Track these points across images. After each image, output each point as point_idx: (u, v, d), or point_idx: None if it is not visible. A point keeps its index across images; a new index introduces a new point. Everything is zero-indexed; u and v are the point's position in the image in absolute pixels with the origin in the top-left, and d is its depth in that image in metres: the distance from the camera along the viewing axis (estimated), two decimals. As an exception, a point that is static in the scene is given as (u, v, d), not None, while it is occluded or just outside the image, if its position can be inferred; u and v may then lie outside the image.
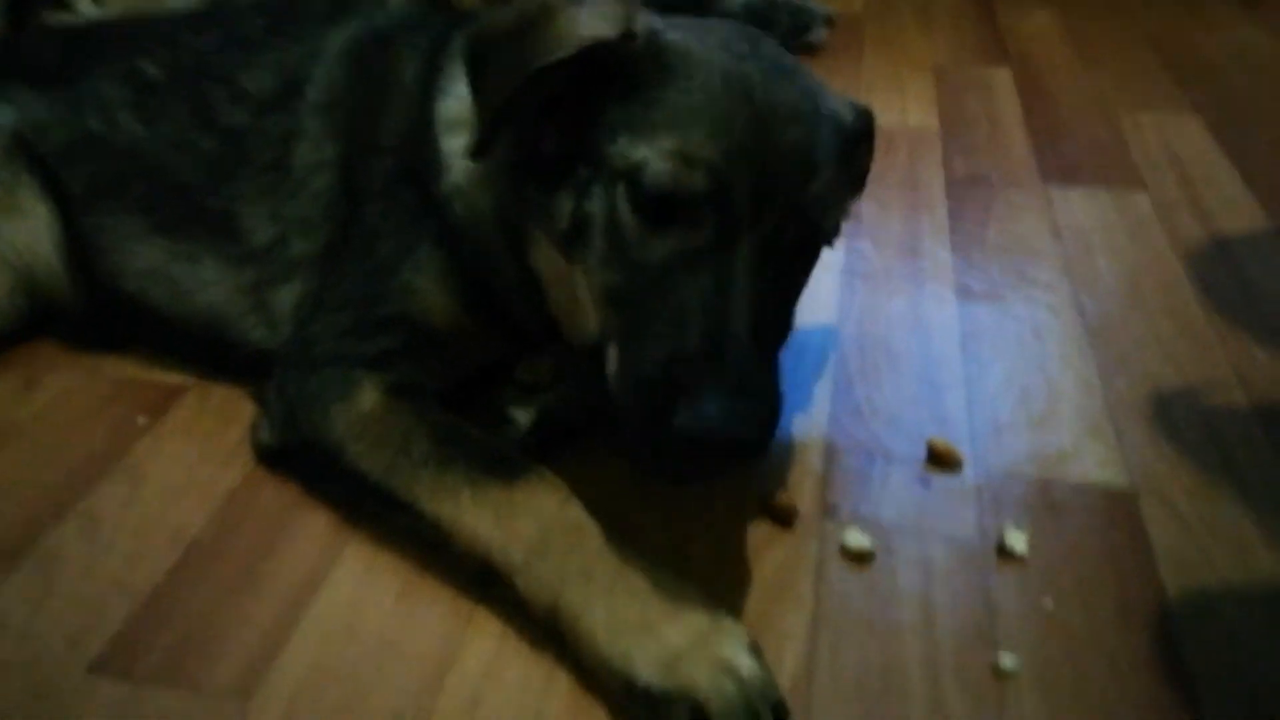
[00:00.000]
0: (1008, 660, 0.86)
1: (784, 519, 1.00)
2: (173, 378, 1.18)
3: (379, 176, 1.07)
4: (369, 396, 0.98)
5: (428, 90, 1.06)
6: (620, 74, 0.89)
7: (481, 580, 0.90)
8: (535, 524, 0.88)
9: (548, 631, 0.86)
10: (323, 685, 0.84)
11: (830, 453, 1.10)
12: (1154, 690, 0.84)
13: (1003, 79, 2.05)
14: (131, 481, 1.04)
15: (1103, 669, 0.86)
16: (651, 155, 0.85)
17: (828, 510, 1.02)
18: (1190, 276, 1.41)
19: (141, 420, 1.12)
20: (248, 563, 0.95)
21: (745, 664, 0.79)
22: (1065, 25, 2.34)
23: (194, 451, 1.08)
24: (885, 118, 1.87)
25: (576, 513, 0.89)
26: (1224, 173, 1.69)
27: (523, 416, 1.07)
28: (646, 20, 0.92)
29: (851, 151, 0.99)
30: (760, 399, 0.83)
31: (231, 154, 1.14)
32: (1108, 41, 2.24)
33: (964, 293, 1.38)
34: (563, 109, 0.91)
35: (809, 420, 1.15)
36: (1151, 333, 1.30)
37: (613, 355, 0.89)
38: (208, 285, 1.15)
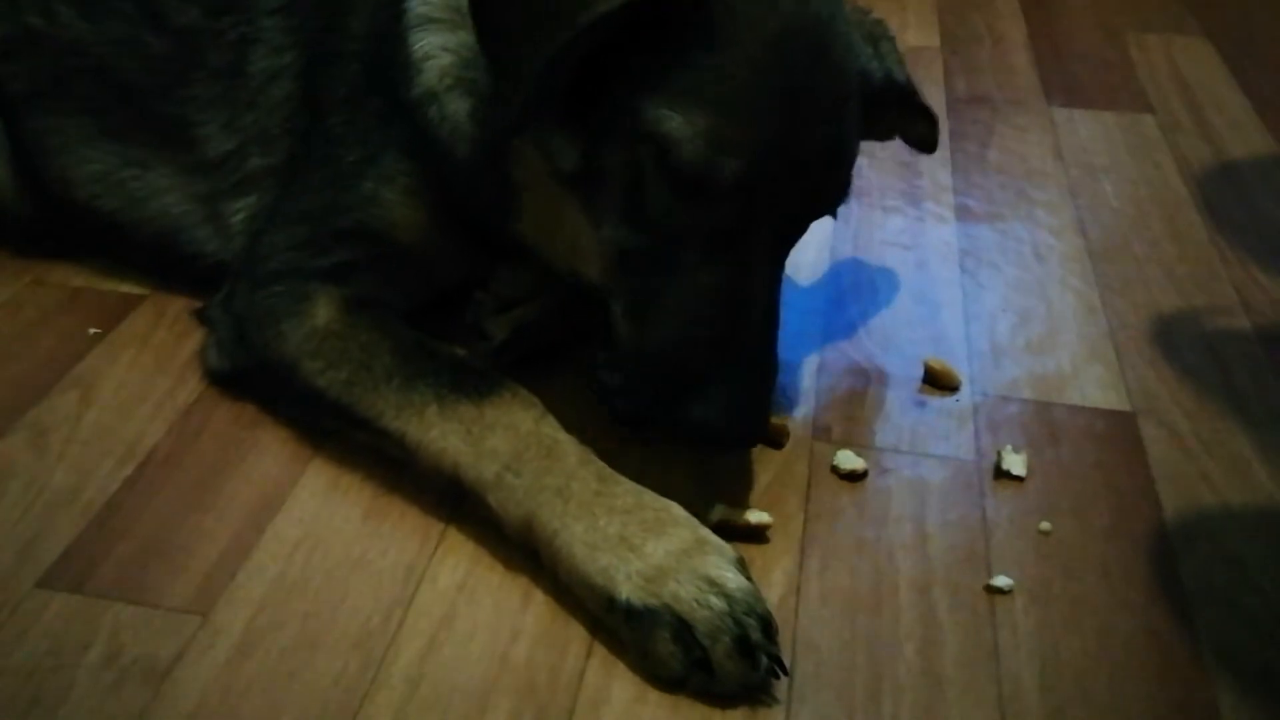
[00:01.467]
0: (1002, 580, 0.83)
1: (774, 441, 0.96)
2: (127, 287, 1.12)
3: (342, 83, 0.99)
4: (324, 310, 0.93)
5: None
6: (658, 15, 0.80)
7: (452, 496, 0.86)
8: (508, 440, 0.83)
9: (523, 549, 0.82)
10: (286, 600, 0.80)
11: (823, 372, 1.06)
12: (1150, 608, 0.82)
13: (1007, -3, 1.97)
14: (82, 393, 0.99)
15: (1098, 588, 0.83)
16: (686, 131, 0.80)
17: (819, 431, 0.98)
18: (1195, 200, 1.37)
19: (93, 331, 1.06)
20: (206, 478, 0.91)
21: (731, 579, 0.75)
22: (1072, -56, 2.25)
23: (149, 363, 1.03)
24: (884, 32, 1.82)
25: (551, 429, 0.85)
26: (1231, 97, 1.64)
27: (497, 330, 1.02)
28: None
29: (871, 110, 0.93)
30: (768, 393, 0.86)
31: (183, 56, 1.06)
32: (1115, -39, 2.16)
33: (963, 212, 1.33)
34: (580, 49, 0.82)
35: (801, 339, 1.10)
36: (1154, 256, 1.26)
37: (622, 316, 0.87)
38: (160, 192, 1.08)
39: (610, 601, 0.76)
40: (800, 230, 0.90)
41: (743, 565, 0.78)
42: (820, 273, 1.21)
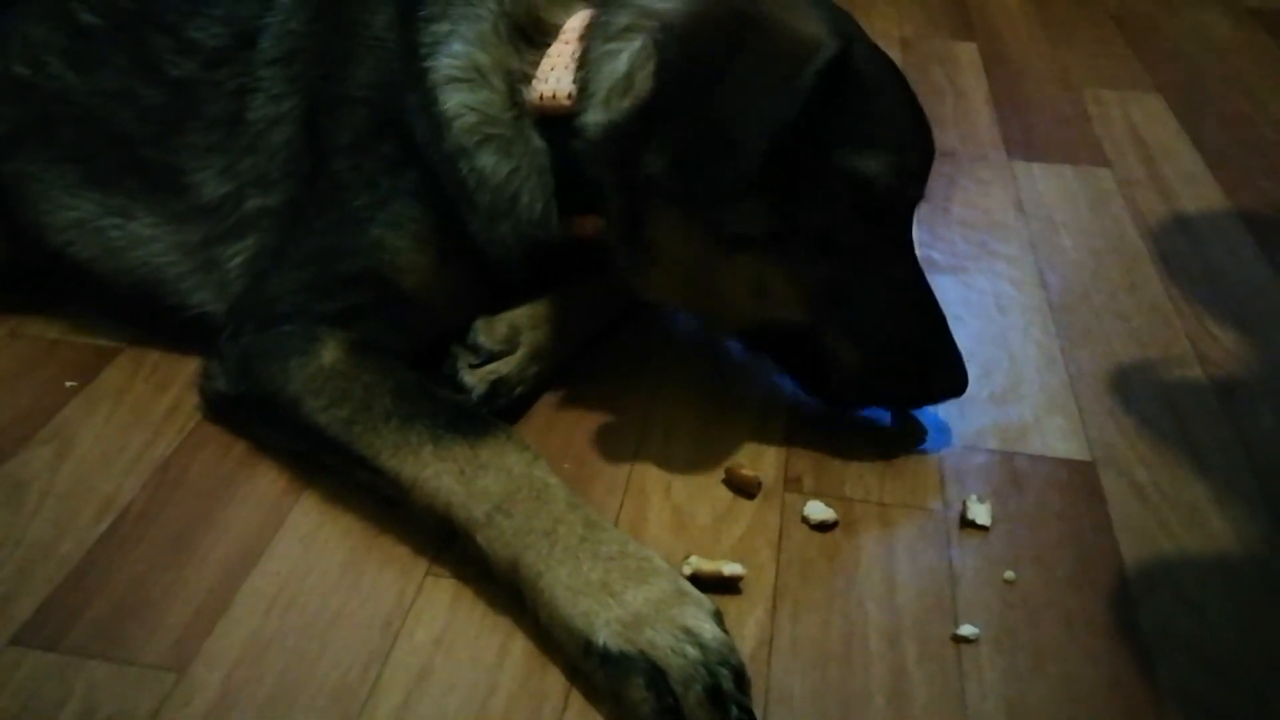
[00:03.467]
0: (968, 630, 0.85)
1: (747, 491, 0.98)
2: (104, 339, 1.13)
3: (348, 129, 1.02)
4: (330, 352, 0.95)
5: (409, 44, 1.01)
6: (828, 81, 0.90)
7: (441, 537, 0.87)
8: (500, 481, 0.86)
9: (508, 590, 0.83)
10: (263, 657, 0.80)
11: (794, 422, 1.08)
12: (1112, 655, 0.84)
13: (968, 53, 2.04)
14: (59, 447, 0.99)
15: (1062, 636, 0.85)
16: (881, 169, 0.94)
17: (790, 481, 1.00)
18: (1151, 253, 1.42)
19: (70, 383, 1.07)
20: (183, 532, 0.91)
21: (707, 630, 0.77)
22: (1031, 2, 2.33)
23: (126, 416, 1.03)
24: (851, 89, 1.87)
25: (543, 473, 0.88)
26: (1185, 151, 1.70)
27: (474, 383, 1.03)
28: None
29: None
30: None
31: (178, 106, 1.07)
32: (1072, 19, 2.24)
33: (928, 265, 1.35)
34: None
35: (772, 390, 1.12)
36: (1112, 307, 1.30)
37: (841, 340, 1.00)
38: (142, 242, 1.09)
39: (587, 645, 0.77)
40: None
41: (719, 617, 0.80)
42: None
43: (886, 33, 2.12)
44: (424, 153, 0.99)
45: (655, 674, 0.74)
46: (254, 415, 0.99)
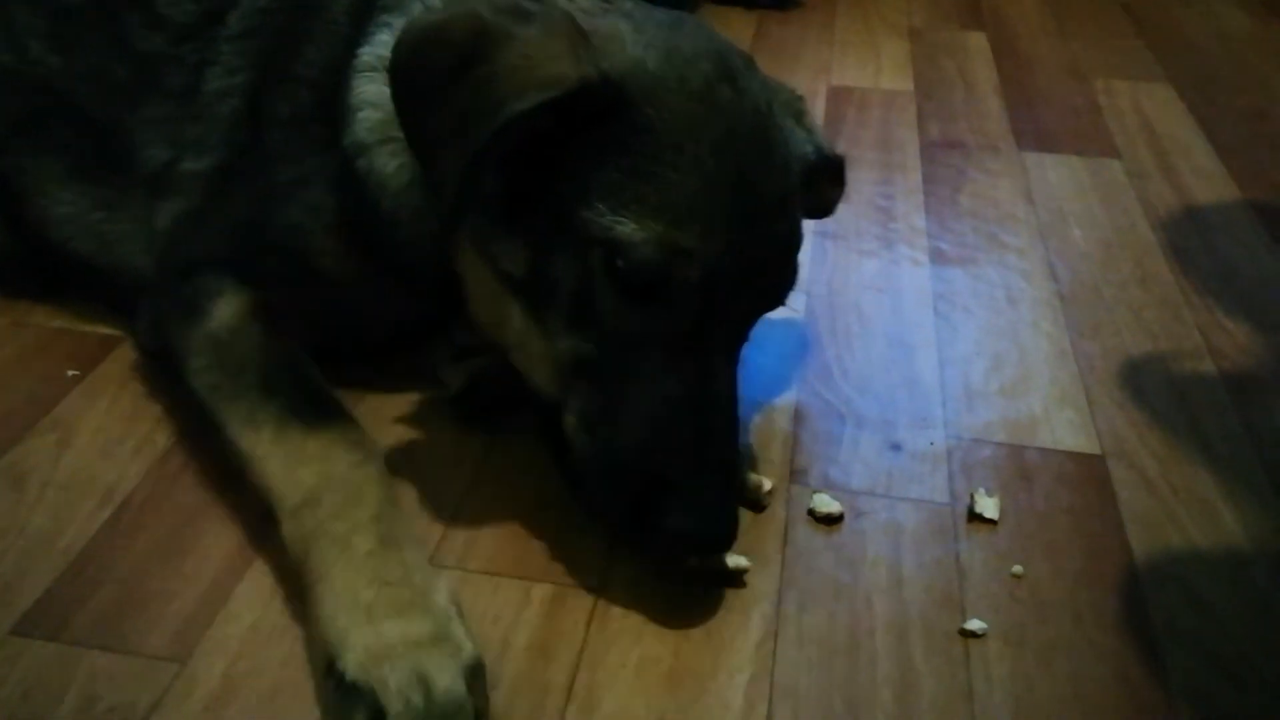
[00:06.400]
0: (976, 624, 0.84)
1: (756, 504, 0.94)
2: (106, 329, 1.12)
3: (288, 103, 1.00)
4: (226, 311, 0.94)
5: (357, 28, 0.99)
6: (589, 125, 0.80)
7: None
8: (316, 475, 0.83)
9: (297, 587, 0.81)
10: (265, 646, 0.80)
11: (799, 416, 1.07)
12: (1121, 651, 0.83)
13: (978, 44, 2.02)
14: (61, 436, 0.98)
15: (1070, 631, 0.85)
16: (640, 237, 0.79)
17: (796, 474, 0.99)
18: (1162, 245, 1.40)
19: (72, 372, 1.06)
20: (185, 522, 0.90)
21: (443, 682, 0.70)
22: (1041, -8, 2.32)
23: (128, 406, 1.02)
24: (859, 78, 1.86)
25: (364, 479, 0.83)
26: (1196, 143, 1.69)
27: (454, 379, 1.02)
28: (606, 23, 0.84)
29: (809, 186, 0.96)
30: (735, 493, 0.86)
31: (141, 81, 1.06)
32: (1082, 10, 2.23)
33: (937, 256, 1.35)
34: (513, 153, 0.82)
35: (778, 382, 1.11)
36: (1123, 300, 1.29)
37: (578, 428, 0.85)
38: (127, 237, 1.08)
39: (331, 664, 0.73)
40: (752, 325, 0.90)
41: (475, 672, 0.73)
42: (796, 316, 1.22)
43: (896, 24, 2.11)
44: (339, 144, 0.96)
45: (377, 713, 0.70)
46: (164, 370, 1.00)
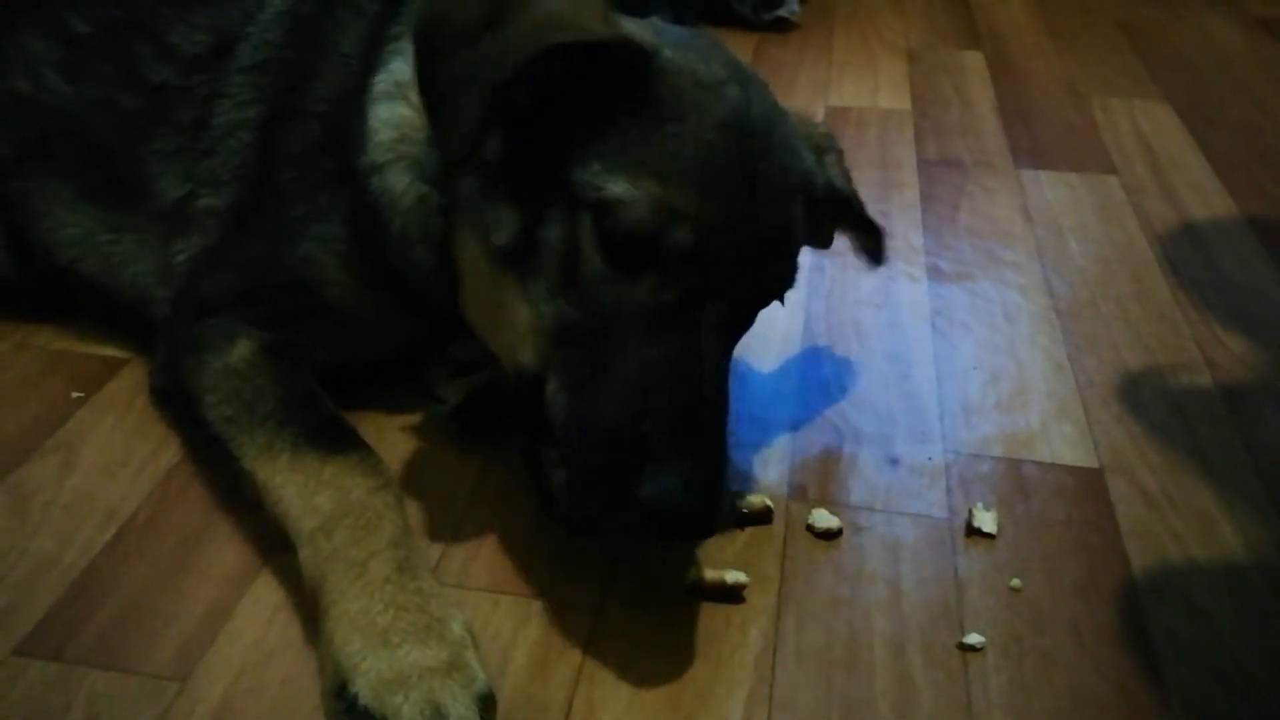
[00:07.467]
0: (974, 638, 0.84)
1: (763, 518, 0.95)
2: (110, 350, 1.13)
3: (299, 140, 1.02)
4: (241, 350, 0.96)
5: (368, 61, 1.00)
6: (601, 86, 0.81)
7: (286, 548, 0.85)
8: (334, 501, 0.83)
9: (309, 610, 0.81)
10: (265, 666, 0.80)
11: (798, 431, 1.08)
12: (1120, 665, 0.83)
13: (975, 62, 2.04)
14: (65, 457, 0.99)
15: (1069, 644, 0.85)
16: (631, 195, 0.79)
17: (794, 490, 1.00)
18: (1158, 260, 1.41)
19: (76, 394, 1.07)
20: (187, 542, 0.91)
21: (457, 714, 0.70)
22: (1037, 11, 2.34)
23: (131, 427, 1.03)
24: (857, 97, 1.88)
25: (381, 505, 0.83)
26: (1192, 159, 1.70)
27: (450, 394, 1.03)
28: (645, 31, 0.84)
29: (813, 214, 0.95)
30: (721, 476, 0.80)
31: (153, 112, 1.08)
32: (1078, 28, 2.25)
33: (934, 272, 1.36)
34: (518, 113, 0.83)
35: (776, 398, 1.12)
36: (1120, 315, 1.29)
37: (558, 394, 0.82)
38: (134, 259, 1.10)
39: (343, 687, 0.72)
40: (746, 316, 0.89)
41: (488, 704, 0.73)
42: (794, 332, 1.23)
43: (893, 43, 2.13)
44: (353, 171, 0.98)
45: None
46: (173, 409, 1.01)
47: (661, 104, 0.81)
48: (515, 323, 0.87)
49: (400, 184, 0.96)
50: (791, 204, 0.87)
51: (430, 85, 0.83)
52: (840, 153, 1.03)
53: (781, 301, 0.92)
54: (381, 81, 0.98)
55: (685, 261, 0.80)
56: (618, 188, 0.79)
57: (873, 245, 1.09)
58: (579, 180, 0.81)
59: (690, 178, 0.80)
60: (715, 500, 0.78)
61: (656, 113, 0.81)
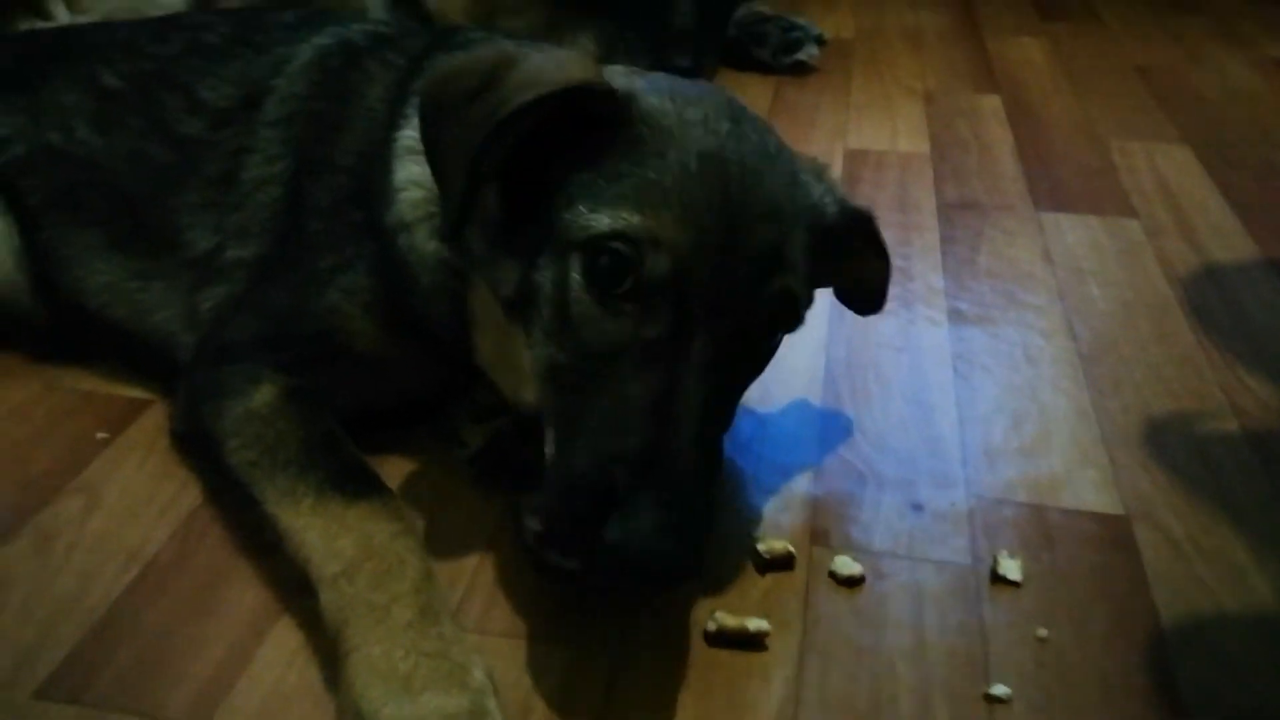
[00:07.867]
0: (1000, 689, 0.82)
1: (785, 563, 0.94)
2: (135, 392, 1.14)
3: (327, 192, 1.03)
4: (264, 395, 0.96)
5: (393, 114, 1.02)
6: (586, 136, 0.83)
7: (307, 593, 0.85)
8: (356, 546, 0.83)
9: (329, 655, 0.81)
10: (284, 710, 0.80)
11: (819, 476, 1.07)
12: (1148, 716, 0.81)
13: (993, 106, 2.05)
14: (88, 498, 1.00)
15: (1096, 695, 0.83)
16: (612, 227, 0.80)
17: (816, 536, 0.99)
18: (1181, 303, 1.40)
19: (101, 435, 1.08)
20: (208, 584, 0.91)
21: None
22: (1054, 55, 2.35)
23: (155, 468, 1.04)
24: (875, 141, 1.89)
25: (404, 549, 0.84)
26: (1213, 202, 1.69)
27: (472, 438, 1.03)
28: (625, 79, 0.87)
29: (831, 247, 0.94)
30: (698, 519, 0.77)
31: (181, 165, 1.10)
32: (1096, 72, 2.26)
33: (955, 316, 1.36)
34: (514, 168, 0.85)
35: (797, 443, 1.12)
36: (1143, 358, 1.28)
37: (550, 440, 0.83)
38: (160, 306, 1.12)
39: None
40: (740, 353, 0.85)
41: None
42: (815, 376, 1.23)
43: (911, 87, 2.15)
44: (379, 224, 0.99)
45: None
46: (194, 452, 1.01)
47: (644, 142, 0.83)
48: (519, 368, 0.90)
49: (430, 245, 0.98)
50: (779, 233, 0.84)
51: (431, 154, 0.87)
52: (835, 181, 1.02)
53: (788, 329, 0.90)
54: (406, 136, 1.00)
55: (665, 290, 0.80)
56: (601, 223, 0.81)
57: (877, 271, 1.05)
58: (567, 222, 0.83)
59: (669, 205, 0.81)
60: (687, 544, 0.74)
61: (639, 150, 0.83)
